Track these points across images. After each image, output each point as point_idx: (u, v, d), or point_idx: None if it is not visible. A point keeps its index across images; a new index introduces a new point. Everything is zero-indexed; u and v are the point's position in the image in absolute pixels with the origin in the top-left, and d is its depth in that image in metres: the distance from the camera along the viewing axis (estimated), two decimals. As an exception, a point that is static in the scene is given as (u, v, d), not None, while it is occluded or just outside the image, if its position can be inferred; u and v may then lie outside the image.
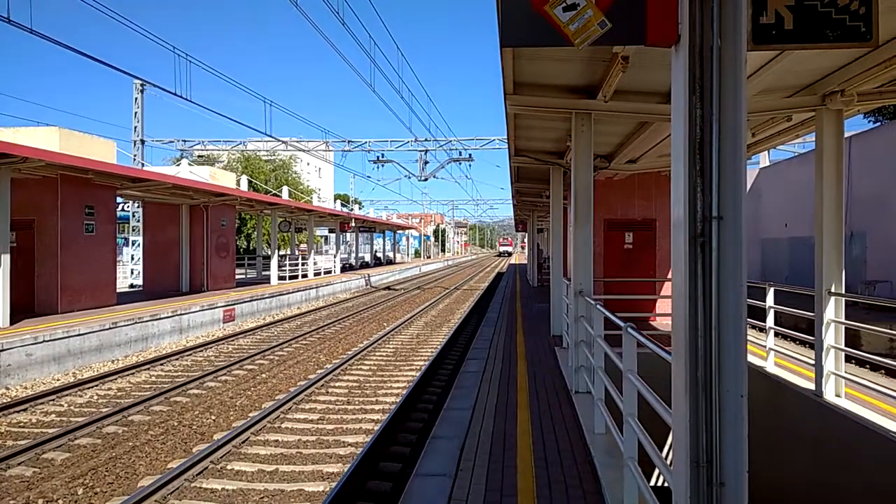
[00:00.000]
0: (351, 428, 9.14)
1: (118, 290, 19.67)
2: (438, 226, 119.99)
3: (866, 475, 5.95)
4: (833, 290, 6.96)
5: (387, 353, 15.06)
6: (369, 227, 50.51)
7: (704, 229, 2.64)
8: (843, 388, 6.96)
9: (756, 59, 5.52)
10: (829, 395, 6.92)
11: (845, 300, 7.14)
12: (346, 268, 45.60)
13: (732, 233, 2.64)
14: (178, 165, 30.12)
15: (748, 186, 28.58)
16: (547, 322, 13.59)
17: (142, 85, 28.55)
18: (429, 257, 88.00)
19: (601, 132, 9.53)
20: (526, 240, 55.82)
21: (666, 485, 3.07)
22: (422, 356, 14.64)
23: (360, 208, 67.82)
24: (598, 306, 6.09)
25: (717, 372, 2.65)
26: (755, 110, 7.30)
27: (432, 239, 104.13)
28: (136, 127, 29.15)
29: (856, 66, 6.10)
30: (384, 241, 66.96)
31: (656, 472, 8.57)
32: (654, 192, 14.58)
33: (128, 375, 12.50)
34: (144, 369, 13.11)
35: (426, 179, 35.03)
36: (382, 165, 35.33)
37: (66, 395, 10.84)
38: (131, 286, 27.30)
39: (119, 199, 25.32)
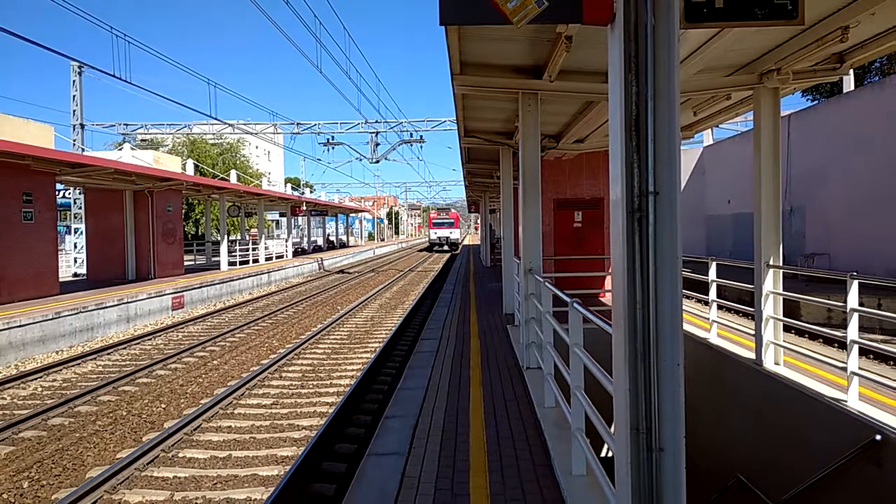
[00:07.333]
0: (305, 412, 9.11)
1: (61, 280, 19.05)
2: (392, 208, 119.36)
3: (803, 439, 6.23)
4: (771, 262, 7.23)
5: (341, 336, 15.01)
6: (321, 211, 49.97)
7: (641, 204, 2.70)
8: (782, 357, 7.27)
9: (695, 38, 5.64)
10: (768, 363, 7.21)
11: (784, 273, 7.43)
12: (298, 252, 45.05)
13: (668, 207, 2.71)
14: (120, 150, 29.16)
15: (693, 165, 29.44)
16: (499, 301, 13.73)
17: (79, 67, 27.38)
18: (383, 240, 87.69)
19: (548, 112, 9.60)
20: (479, 221, 55.56)
21: (612, 454, 3.16)
22: (376, 338, 14.64)
23: (311, 192, 66.76)
24: (546, 283, 6.19)
25: (655, 342, 2.73)
26: (696, 89, 7.47)
27: (386, 222, 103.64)
28: (74, 111, 28.01)
29: (790, 45, 6.29)
30: (337, 224, 66.30)
31: (605, 445, 8.79)
32: (601, 171, 14.77)
33: (73, 366, 12.16)
34: (91, 359, 12.76)
35: (378, 162, 34.74)
36: (333, 148, 34.84)
37: (9, 388, 10.48)
38: (75, 275, 26.43)
39: (59, 186, 24.46)
